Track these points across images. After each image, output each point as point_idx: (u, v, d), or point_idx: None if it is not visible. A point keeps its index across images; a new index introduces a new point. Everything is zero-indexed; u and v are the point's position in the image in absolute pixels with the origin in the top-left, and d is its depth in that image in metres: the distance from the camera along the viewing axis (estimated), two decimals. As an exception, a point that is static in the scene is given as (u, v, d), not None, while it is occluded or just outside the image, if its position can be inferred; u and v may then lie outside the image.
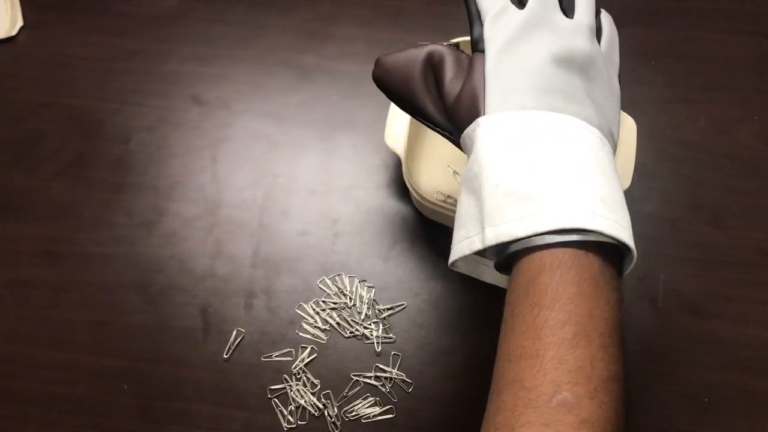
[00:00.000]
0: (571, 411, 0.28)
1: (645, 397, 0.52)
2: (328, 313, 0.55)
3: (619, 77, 0.40)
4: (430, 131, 0.60)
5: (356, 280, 0.56)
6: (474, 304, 0.55)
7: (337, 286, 0.56)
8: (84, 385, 0.53)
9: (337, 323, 0.54)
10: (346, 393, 0.52)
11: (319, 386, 0.52)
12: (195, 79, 0.66)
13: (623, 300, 0.33)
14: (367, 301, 0.55)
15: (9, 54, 0.67)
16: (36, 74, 0.66)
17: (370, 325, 0.54)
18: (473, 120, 0.35)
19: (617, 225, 0.31)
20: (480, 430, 0.32)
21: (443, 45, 0.38)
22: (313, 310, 0.55)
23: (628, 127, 0.55)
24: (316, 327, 0.54)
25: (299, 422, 0.51)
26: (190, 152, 0.62)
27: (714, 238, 0.58)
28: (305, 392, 0.52)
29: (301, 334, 0.54)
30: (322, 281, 0.56)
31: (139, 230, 0.59)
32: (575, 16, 0.37)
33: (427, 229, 0.58)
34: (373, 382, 0.52)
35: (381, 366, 0.53)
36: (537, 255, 0.31)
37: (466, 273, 0.39)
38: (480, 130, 0.34)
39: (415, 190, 0.52)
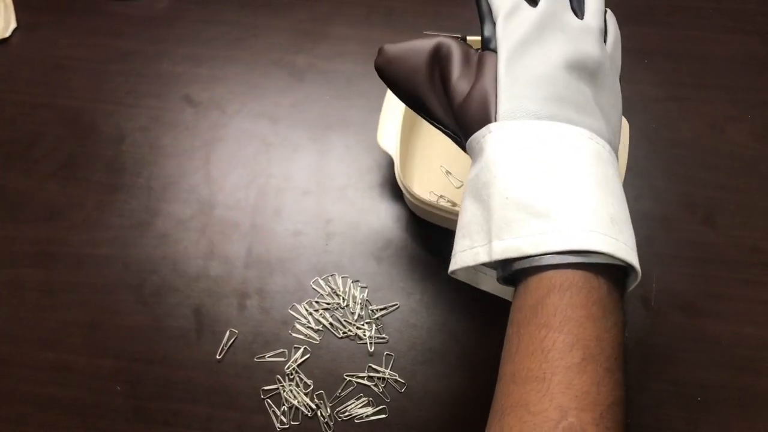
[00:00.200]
0: None
1: (639, 397, 0.52)
2: (321, 314, 0.55)
3: (620, 79, 0.39)
4: (422, 131, 0.61)
5: (349, 281, 0.56)
6: (467, 304, 0.55)
7: (330, 287, 0.56)
8: (78, 385, 0.53)
9: (330, 323, 0.54)
10: (339, 393, 0.52)
11: (312, 386, 0.52)
12: (189, 80, 0.66)
13: (627, 321, 0.32)
14: (360, 301, 0.55)
15: (2, 56, 0.67)
16: (30, 76, 0.66)
17: (363, 325, 0.54)
18: (483, 124, 0.34)
19: (626, 247, 0.31)
20: None
21: (452, 38, 0.37)
22: (306, 310, 0.55)
23: (621, 126, 0.55)
24: (309, 327, 0.54)
25: (292, 422, 0.51)
26: (183, 153, 0.62)
27: (707, 236, 0.58)
28: (298, 392, 0.52)
29: (294, 334, 0.54)
30: (315, 281, 0.56)
31: (132, 231, 0.59)
32: (585, 17, 0.36)
33: (420, 229, 0.58)
34: (365, 382, 0.52)
35: (374, 366, 0.53)
36: (546, 274, 0.31)
37: (465, 281, 0.38)
38: (491, 137, 0.33)
39: (407, 190, 0.52)
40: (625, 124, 0.57)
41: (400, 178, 0.52)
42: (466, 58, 0.36)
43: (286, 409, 0.52)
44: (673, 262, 0.57)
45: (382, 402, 0.52)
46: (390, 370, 0.53)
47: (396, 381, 0.52)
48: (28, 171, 0.62)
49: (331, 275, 0.56)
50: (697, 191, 0.60)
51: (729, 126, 0.63)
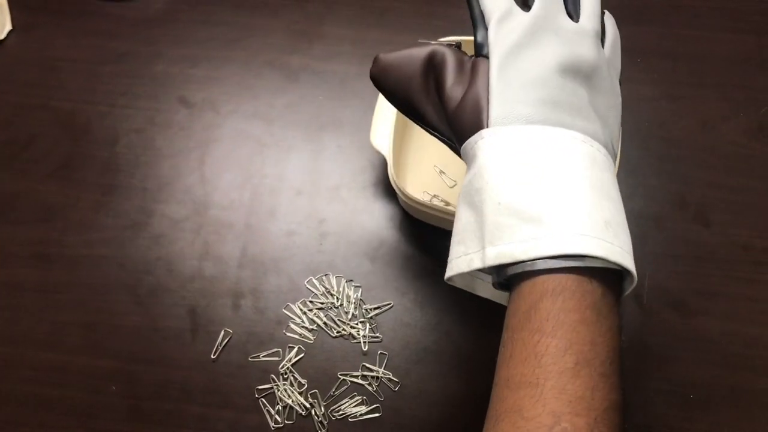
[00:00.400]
0: None
1: (631, 395, 0.52)
2: (315, 313, 0.55)
3: (620, 81, 0.39)
4: (416, 131, 0.61)
5: (343, 280, 0.56)
6: (461, 303, 0.55)
7: (324, 286, 0.56)
8: (73, 385, 0.53)
9: (324, 323, 0.55)
10: (333, 392, 0.52)
11: (306, 386, 0.52)
12: (183, 81, 0.66)
13: (622, 325, 0.32)
14: (353, 300, 0.55)
15: (-2, 57, 0.67)
16: (25, 77, 0.67)
17: (356, 324, 0.54)
18: (475, 130, 0.33)
19: (621, 250, 0.31)
20: None
21: (446, 45, 0.37)
22: (300, 310, 0.55)
23: (620, 129, 0.55)
24: (303, 327, 0.55)
25: (286, 422, 0.51)
26: (178, 154, 0.63)
27: (700, 235, 0.58)
28: (292, 392, 0.52)
29: (288, 334, 0.54)
30: (309, 281, 0.56)
31: (127, 232, 0.59)
32: (581, 20, 0.36)
33: (413, 228, 0.58)
34: (359, 381, 0.52)
35: (368, 365, 0.53)
36: (539, 279, 0.31)
37: (462, 287, 0.38)
38: (483, 143, 0.33)
39: (401, 190, 0.52)
40: (617, 123, 0.57)
41: (393, 178, 0.53)
42: (460, 65, 0.36)
43: (280, 408, 0.52)
44: (666, 260, 0.57)
45: (376, 401, 0.52)
46: (384, 369, 0.53)
47: (390, 380, 0.53)
48: (24, 172, 0.62)
49: (325, 275, 0.57)
50: (689, 189, 0.60)
51: (722, 124, 0.63)
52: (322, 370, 0.53)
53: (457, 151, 0.37)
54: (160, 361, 0.54)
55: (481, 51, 0.35)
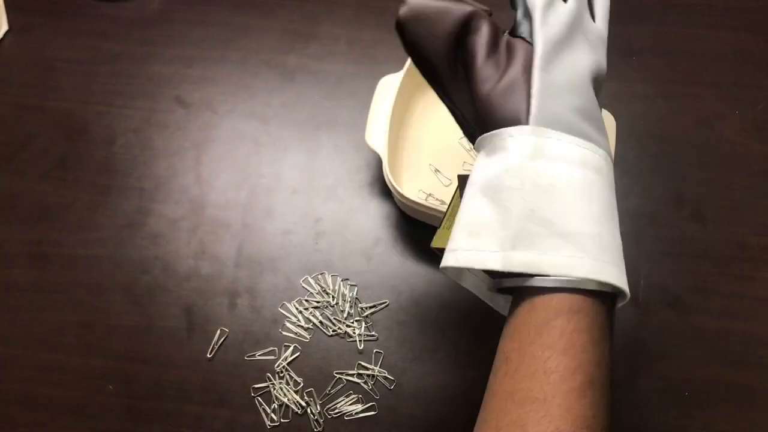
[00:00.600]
0: None
1: (627, 393, 0.52)
2: (311, 312, 0.55)
3: (608, 76, 0.40)
4: (411, 130, 0.61)
5: (339, 279, 0.56)
6: (456, 302, 0.55)
7: (320, 285, 0.56)
8: (70, 385, 0.53)
9: (320, 322, 0.55)
10: (329, 391, 0.52)
11: (302, 384, 0.53)
12: (179, 81, 0.66)
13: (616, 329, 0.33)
14: (349, 299, 0.55)
15: (-6, 58, 0.68)
16: (21, 78, 0.67)
17: (352, 323, 0.55)
18: (511, 123, 0.32)
19: (624, 276, 0.32)
20: None
21: (485, 11, 0.34)
22: (296, 308, 0.55)
23: (607, 124, 0.55)
24: (299, 326, 0.55)
25: (282, 420, 0.51)
26: (174, 154, 0.63)
27: (695, 232, 0.58)
28: (288, 390, 0.52)
29: (284, 332, 0.54)
30: (305, 280, 0.56)
31: (124, 232, 0.59)
32: (596, 22, 0.36)
33: (409, 227, 0.58)
34: (355, 379, 0.53)
35: (363, 363, 0.53)
36: (556, 296, 0.30)
37: (451, 277, 0.37)
38: (524, 141, 0.31)
39: (396, 189, 0.52)
40: (612, 123, 0.57)
41: (388, 177, 0.53)
42: (494, 39, 0.33)
43: (276, 406, 0.52)
44: (661, 258, 0.57)
45: (372, 399, 0.52)
46: (379, 367, 0.53)
47: (385, 378, 0.53)
48: (21, 172, 0.62)
49: (321, 274, 0.57)
50: (685, 187, 0.60)
51: (717, 122, 0.63)
52: (317, 369, 0.53)
53: (469, 131, 0.35)
54: (156, 361, 0.54)
55: (518, 29, 0.33)
